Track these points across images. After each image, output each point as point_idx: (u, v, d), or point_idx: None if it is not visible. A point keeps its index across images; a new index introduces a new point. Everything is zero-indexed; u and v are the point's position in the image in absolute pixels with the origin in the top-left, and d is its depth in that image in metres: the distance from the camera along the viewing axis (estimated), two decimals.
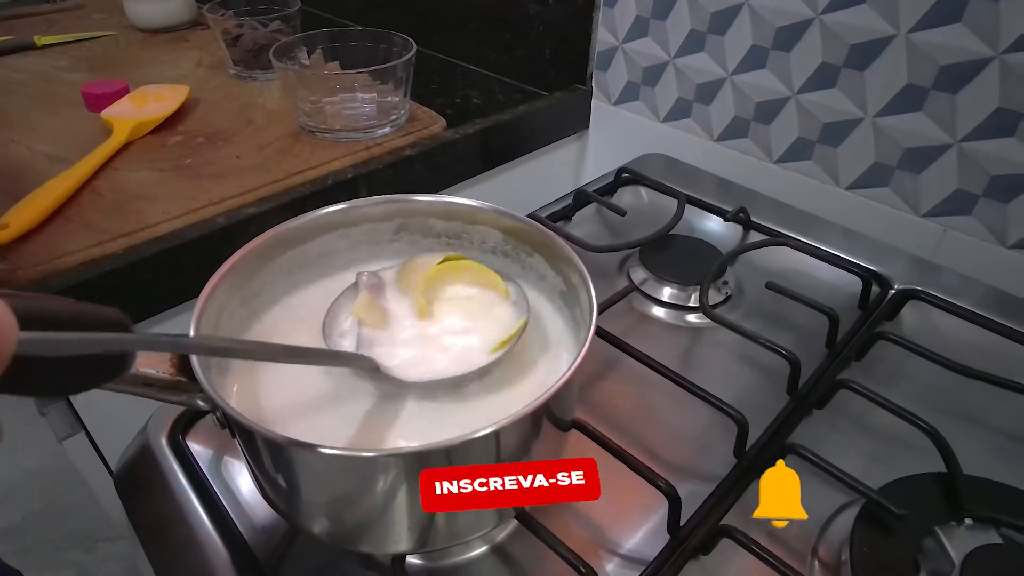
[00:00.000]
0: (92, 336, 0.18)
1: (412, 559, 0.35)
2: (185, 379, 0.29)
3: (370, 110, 0.66)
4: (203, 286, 0.56)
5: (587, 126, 0.82)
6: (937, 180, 0.57)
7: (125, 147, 0.63)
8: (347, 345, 0.34)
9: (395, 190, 0.64)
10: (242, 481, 0.39)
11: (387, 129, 0.66)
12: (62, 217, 0.53)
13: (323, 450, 0.26)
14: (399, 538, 0.31)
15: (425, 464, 0.28)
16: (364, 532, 0.32)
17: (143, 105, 0.67)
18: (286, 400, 0.33)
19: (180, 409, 0.42)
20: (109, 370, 0.21)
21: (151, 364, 0.28)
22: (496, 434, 0.27)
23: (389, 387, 0.33)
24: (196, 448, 0.41)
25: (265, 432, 0.26)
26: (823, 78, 0.60)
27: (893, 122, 0.58)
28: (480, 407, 0.33)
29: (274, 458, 0.29)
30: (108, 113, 0.65)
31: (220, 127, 0.68)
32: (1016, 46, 0.49)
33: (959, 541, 0.34)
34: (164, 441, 0.40)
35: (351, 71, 0.67)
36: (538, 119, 0.76)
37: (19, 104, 0.73)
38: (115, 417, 0.55)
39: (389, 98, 0.66)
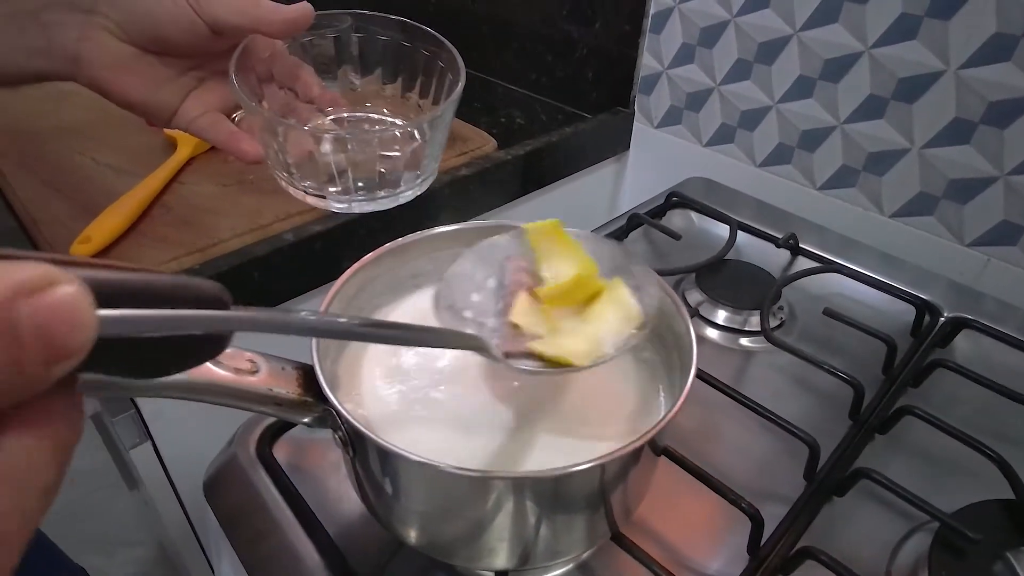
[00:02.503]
0: (182, 314, 0.16)
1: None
2: (311, 398, 0.30)
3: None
4: (272, 301, 0.58)
5: (628, 148, 0.84)
6: (982, 211, 0.59)
7: (189, 162, 0.65)
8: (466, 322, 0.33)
9: (453, 209, 0.66)
10: (329, 491, 0.41)
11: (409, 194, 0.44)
12: (136, 231, 0.55)
13: (453, 470, 0.27)
14: (500, 555, 0.33)
15: (536, 488, 0.30)
16: (468, 547, 0.33)
17: None
18: (385, 411, 0.34)
19: (267, 422, 0.43)
20: (205, 351, 0.18)
21: (279, 384, 0.30)
22: (603, 466, 0.29)
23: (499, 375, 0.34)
24: (281, 459, 0.42)
25: (397, 450, 0.28)
26: (871, 109, 0.62)
27: (940, 153, 0.59)
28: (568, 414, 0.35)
29: (394, 473, 0.30)
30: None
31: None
32: None
33: None
34: (253, 453, 0.42)
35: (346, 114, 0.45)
36: (583, 140, 0.78)
37: (81, 116, 0.74)
38: (180, 428, 0.57)
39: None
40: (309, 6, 0.39)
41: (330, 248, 0.57)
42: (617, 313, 0.33)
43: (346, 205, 0.38)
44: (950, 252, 0.62)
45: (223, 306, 0.17)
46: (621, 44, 0.78)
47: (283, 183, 0.40)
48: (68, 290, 0.12)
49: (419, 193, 0.42)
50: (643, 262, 0.36)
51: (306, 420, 0.31)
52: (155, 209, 0.58)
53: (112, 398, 0.53)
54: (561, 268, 0.34)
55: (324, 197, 0.38)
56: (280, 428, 0.44)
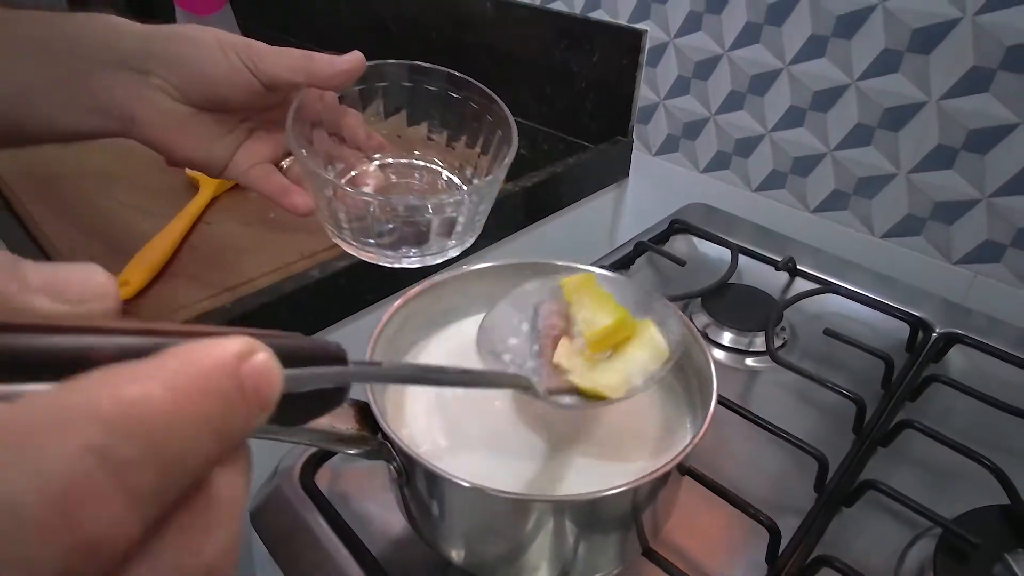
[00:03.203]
0: (333, 370, 0.18)
1: None
2: (367, 432, 0.33)
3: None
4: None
5: (627, 175, 0.87)
6: (967, 231, 0.63)
7: (212, 201, 0.67)
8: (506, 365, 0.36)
9: None
10: (370, 515, 0.43)
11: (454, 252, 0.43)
12: (168, 272, 0.57)
13: (499, 494, 0.30)
14: (541, 573, 0.35)
15: (574, 510, 0.33)
16: (511, 565, 0.35)
17: None
18: (429, 439, 0.37)
19: (307, 453, 0.46)
20: (331, 402, 0.20)
21: (339, 420, 0.32)
22: (635, 489, 0.32)
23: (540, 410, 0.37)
24: (322, 486, 0.45)
25: (449, 477, 0.30)
26: (859, 137, 0.66)
27: (925, 177, 0.63)
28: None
29: (443, 497, 0.33)
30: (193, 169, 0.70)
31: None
32: None
33: None
34: (297, 482, 0.44)
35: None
36: (585, 169, 0.81)
37: (103, 158, 0.76)
38: None
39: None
40: (360, 56, 0.40)
41: (354, 283, 0.60)
42: (646, 350, 0.36)
43: (395, 261, 0.39)
44: (939, 270, 0.65)
45: (344, 362, 0.19)
46: (619, 76, 0.81)
47: (333, 236, 0.40)
48: (265, 356, 0.15)
49: (466, 247, 0.42)
50: (662, 298, 0.39)
51: (359, 451, 0.33)
52: (184, 249, 0.60)
53: None
54: (594, 314, 0.37)
55: (373, 252, 0.39)
56: (320, 458, 0.46)
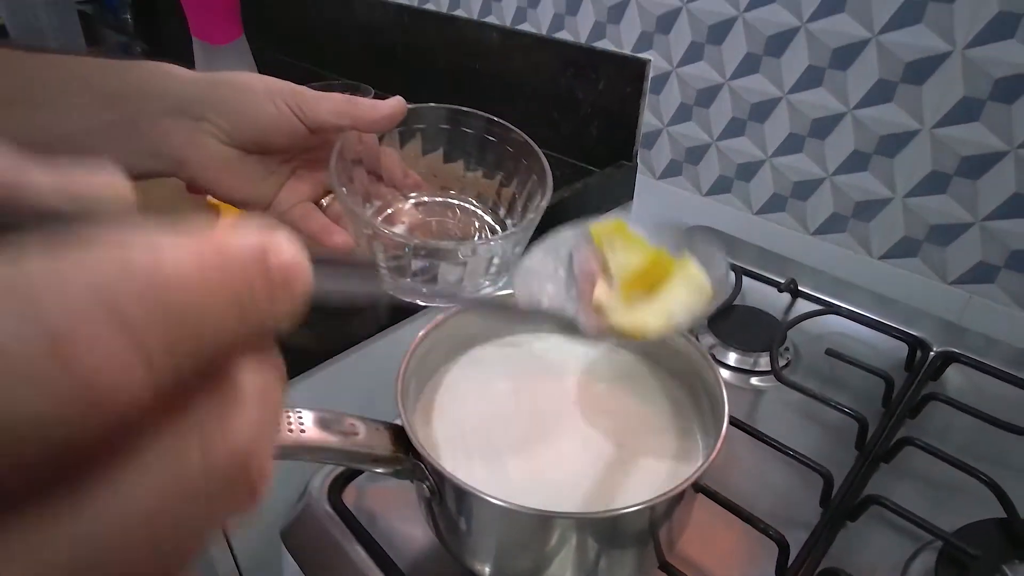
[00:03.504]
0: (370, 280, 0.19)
1: None
2: (402, 453, 0.35)
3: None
4: (310, 364, 0.62)
5: (632, 198, 0.90)
6: (962, 253, 0.65)
7: None
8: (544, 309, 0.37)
9: None
10: (396, 531, 0.45)
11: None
12: None
13: (527, 511, 0.32)
14: None
15: (596, 526, 0.35)
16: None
17: None
18: (454, 457, 0.39)
19: (334, 474, 0.48)
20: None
21: (376, 442, 0.35)
22: (653, 507, 0.34)
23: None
24: (349, 504, 0.47)
25: (483, 496, 0.32)
26: (856, 162, 0.69)
27: (920, 201, 0.66)
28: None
29: (473, 514, 0.35)
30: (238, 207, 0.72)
31: None
32: None
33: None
34: (326, 501, 0.46)
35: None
36: (590, 194, 0.84)
37: None
38: None
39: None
40: (402, 101, 0.41)
41: (374, 307, 0.62)
42: (687, 287, 0.35)
43: (429, 299, 0.40)
44: (935, 291, 0.68)
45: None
46: (623, 103, 0.84)
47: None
48: (293, 249, 0.14)
49: (498, 285, 0.43)
50: (707, 236, 0.40)
51: (392, 471, 0.35)
52: None
53: None
54: (628, 257, 0.36)
55: (408, 290, 0.40)
56: (347, 478, 0.48)
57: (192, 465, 0.12)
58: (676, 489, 0.34)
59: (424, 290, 0.39)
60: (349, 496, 0.47)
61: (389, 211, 0.42)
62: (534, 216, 0.41)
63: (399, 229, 0.43)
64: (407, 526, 0.45)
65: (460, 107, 0.44)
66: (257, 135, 0.41)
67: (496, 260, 0.40)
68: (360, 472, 0.48)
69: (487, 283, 0.41)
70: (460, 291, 0.40)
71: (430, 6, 1.06)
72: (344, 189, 0.39)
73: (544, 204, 0.41)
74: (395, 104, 0.41)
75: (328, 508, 0.46)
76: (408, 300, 0.39)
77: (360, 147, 0.43)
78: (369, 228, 0.38)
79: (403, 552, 0.44)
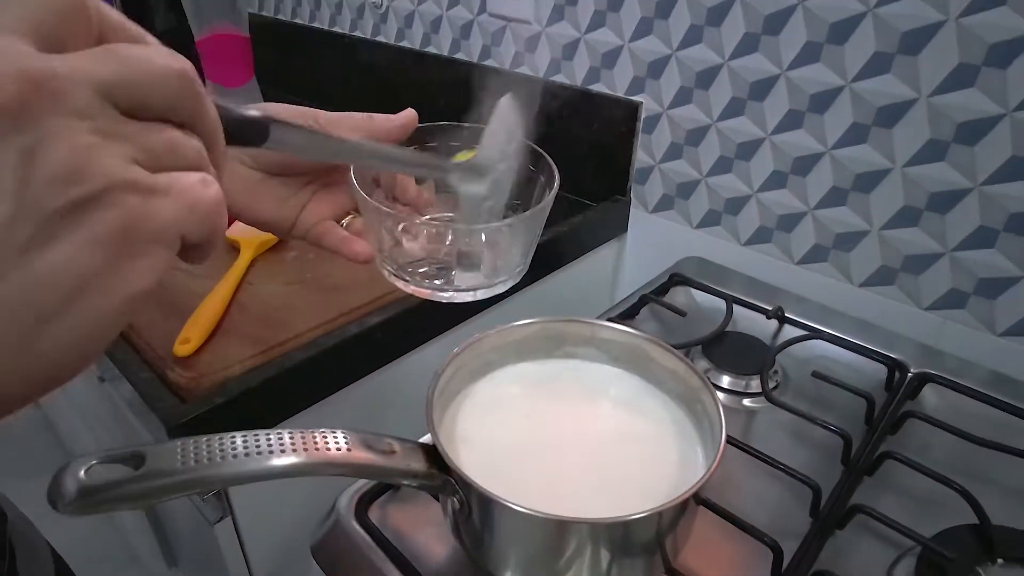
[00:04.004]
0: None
1: None
2: (435, 470, 0.39)
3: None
4: (340, 386, 0.66)
5: (626, 230, 0.95)
6: (934, 281, 0.70)
7: (252, 263, 0.74)
8: None
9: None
10: (421, 547, 0.48)
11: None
12: (222, 330, 0.63)
13: (548, 516, 0.36)
14: None
15: (609, 531, 0.39)
16: None
17: None
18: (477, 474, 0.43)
19: (363, 491, 0.51)
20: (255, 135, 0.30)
21: (412, 460, 0.38)
22: (660, 513, 0.38)
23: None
24: (375, 520, 0.50)
25: (509, 504, 0.36)
26: (835, 198, 0.74)
27: (895, 234, 0.71)
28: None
29: (499, 523, 0.39)
30: (233, 232, 0.76)
31: None
32: (993, 179, 0.63)
33: None
34: (354, 517, 0.49)
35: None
36: (588, 226, 0.89)
37: None
38: (259, 505, 0.64)
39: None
40: (414, 112, 0.45)
41: (389, 337, 0.66)
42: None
43: (450, 296, 0.44)
44: (912, 315, 0.73)
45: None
46: (617, 142, 0.90)
47: (390, 276, 0.44)
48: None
49: (513, 284, 0.46)
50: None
51: (422, 485, 0.39)
52: (233, 308, 0.66)
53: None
54: None
55: (428, 289, 0.43)
56: (372, 496, 0.51)
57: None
58: (680, 497, 0.38)
59: (446, 288, 0.42)
60: (374, 514, 0.51)
61: (404, 225, 0.44)
62: (546, 202, 0.43)
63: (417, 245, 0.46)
64: (430, 541, 0.49)
65: (468, 124, 0.47)
66: (280, 157, 0.43)
67: (516, 250, 0.44)
68: (383, 491, 0.51)
69: (503, 279, 0.44)
70: (479, 286, 0.43)
71: (431, 49, 1.12)
72: (364, 193, 0.41)
73: (553, 193, 0.44)
74: (407, 114, 0.45)
75: (356, 524, 0.49)
76: (428, 298, 0.42)
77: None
78: (390, 220, 0.41)
79: (427, 565, 0.47)
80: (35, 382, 0.20)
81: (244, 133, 0.28)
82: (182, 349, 0.59)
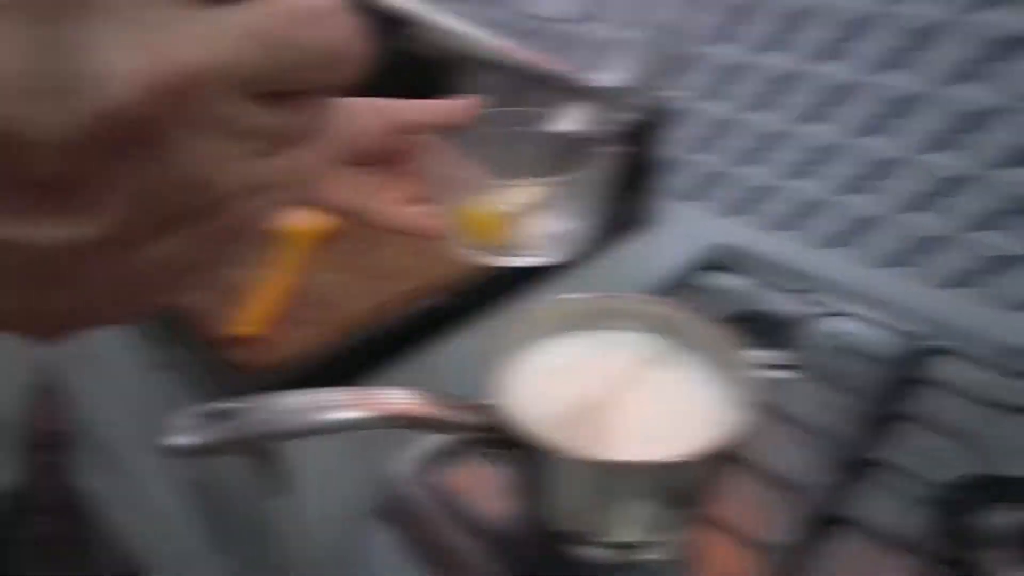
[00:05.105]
0: None
1: None
2: (497, 426, 0.44)
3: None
4: (395, 360, 0.71)
5: (657, 219, 1.00)
6: (945, 261, 0.75)
7: (306, 251, 0.79)
8: None
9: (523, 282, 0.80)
10: (481, 508, 0.53)
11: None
12: (280, 315, 0.69)
13: (610, 460, 0.41)
14: (633, 529, 0.46)
15: (658, 475, 0.43)
16: (611, 524, 0.46)
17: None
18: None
19: (425, 454, 0.57)
20: None
21: (479, 418, 0.43)
22: (703, 458, 0.43)
23: None
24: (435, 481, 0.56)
25: (575, 456, 0.41)
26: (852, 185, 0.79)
27: (908, 217, 0.76)
28: None
29: (564, 475, 0.44)
30: (290, 222, 0.82)
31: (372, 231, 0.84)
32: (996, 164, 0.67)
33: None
34: (416, 480, 0.55)
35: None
36: (624, 215, 0.94)
37: None
38: (317, 475, 0.70)
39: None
40: (478, 99, 0.46)
41: (439, 320, 0.72)
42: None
43: (520, 259, 0.45)
44: (925, 294, 0.77)
45: None
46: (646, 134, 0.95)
47: (460, 248, 0.46)
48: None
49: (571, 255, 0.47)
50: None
51: (488, 439, 0.44)
52: (290, 294, 0.72)
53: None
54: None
55: (497, 256, 0.45)
56: (431, 459, 0.57)
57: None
58: (721, 443, 0.43)
59: (514, 255, 0.45)
60: (432, 475, 0.56)
61: (475, 197, 0.45)
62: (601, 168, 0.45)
63: None
64: (488, 500, 0.54)
65: (526, 109, 0.47)
66: (351, 145, 0.45)
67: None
68: (442, 453, 0.57)
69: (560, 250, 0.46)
70: (542, 253, 0.46)
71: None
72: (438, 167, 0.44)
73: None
74: (471, 101, 0.46)
75: (418, 486, 0.55)
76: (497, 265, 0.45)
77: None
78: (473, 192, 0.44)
79: (488, 522, 0.52)
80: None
81: None
82: (242, 331, 0.64)
